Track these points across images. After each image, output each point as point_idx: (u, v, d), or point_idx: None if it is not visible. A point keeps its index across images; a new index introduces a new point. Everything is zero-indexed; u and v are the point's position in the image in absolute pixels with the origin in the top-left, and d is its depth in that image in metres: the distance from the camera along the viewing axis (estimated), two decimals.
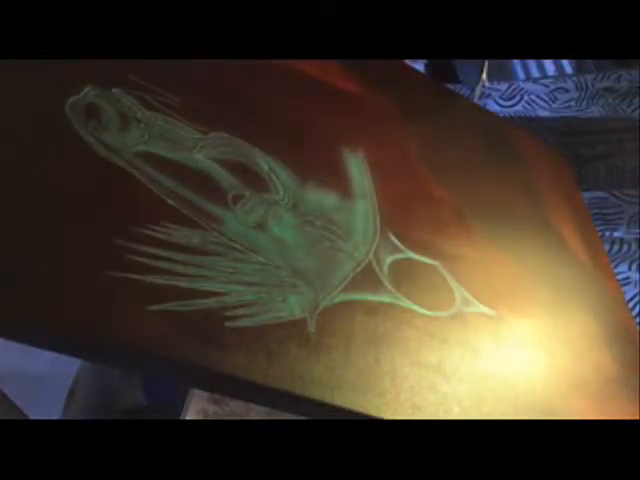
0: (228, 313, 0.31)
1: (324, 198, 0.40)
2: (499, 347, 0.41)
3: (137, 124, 0.36)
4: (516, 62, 0.94)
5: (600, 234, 0.71)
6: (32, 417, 0.52)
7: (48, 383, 0.62)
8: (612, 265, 0.61)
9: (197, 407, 0.39)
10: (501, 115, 0.85)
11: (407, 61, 0.61)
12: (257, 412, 0.40)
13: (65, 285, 0.28)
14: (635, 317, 0.65)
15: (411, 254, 0.42)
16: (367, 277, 0.38)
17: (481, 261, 0.46)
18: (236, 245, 0.34)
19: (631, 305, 0.66)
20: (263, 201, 0.37)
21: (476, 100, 0.83)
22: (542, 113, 0.86)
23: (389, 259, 0.40)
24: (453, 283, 0.42)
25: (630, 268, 0.69)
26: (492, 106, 0.87)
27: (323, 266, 0.37)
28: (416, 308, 0.39)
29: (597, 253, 0.58)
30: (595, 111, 0.84)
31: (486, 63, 0.81)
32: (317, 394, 0.31)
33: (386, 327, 0.37)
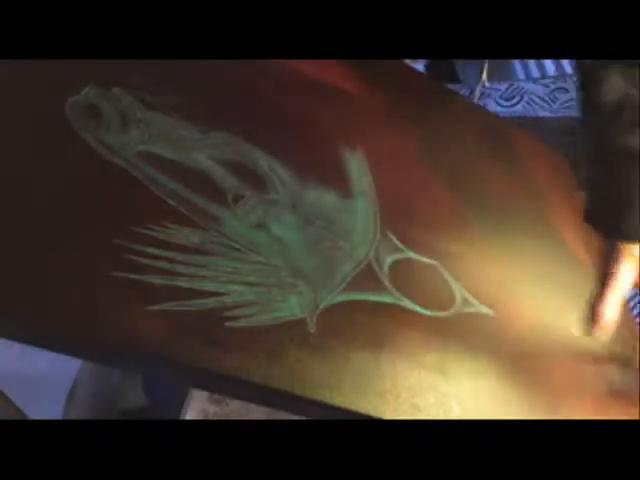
0: (228, 313, 0.31)
1: (324, 198, 0.40)
2: (499, 347, 0.41)
3: (137, 124, 0.36)
4: (516, 62, 0.94)
5: None
6: (32, 417, 0.52)
7: (48, 383, 0.62)
8: None
9: (197, 407, 0.39)
10: (501, 115, 0.85)
11: (407, 61, 0.61)
12: (257, 412, 0.40)
13: (65, 285, 0.28)
14: (635, 317, 0.65)
15: (411, 254, 0.42)
16: (367, 277, 0.38)
17: (481, 261, 0.46)
18: (236, 245, 0.34)
19: (631, 305, 0.66)
20: (263, 201, 0.37)
21: (476, 100, 0.82)
22: (542, 113, 0.86)
23: (389, 259, 0.40)
24: (453, 283, 0.42)
25: None
26: (492, 106, 0.87)
27: (323, 266, 0.37)
28: (416, 308, 0.39)
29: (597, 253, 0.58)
30: None
31: (486, 63, 0.81)
32: (317, 394, 0.31)
33: (386, 327, 0.37)
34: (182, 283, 0.31)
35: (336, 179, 0.42)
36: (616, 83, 0.41)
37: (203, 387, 0.37)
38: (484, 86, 0.85)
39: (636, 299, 0.67)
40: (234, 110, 0.41)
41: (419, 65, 0.85)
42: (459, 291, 0.42)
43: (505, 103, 0.87)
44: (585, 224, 0.47)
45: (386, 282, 0.39)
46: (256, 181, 0.38)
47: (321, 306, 0.35)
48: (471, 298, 0.42)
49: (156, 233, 0.32)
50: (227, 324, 0.31)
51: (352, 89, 0.50)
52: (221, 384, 0.31)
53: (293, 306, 0.34)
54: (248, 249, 0.34)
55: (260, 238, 0.36)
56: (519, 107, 0.87)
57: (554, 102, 0.86)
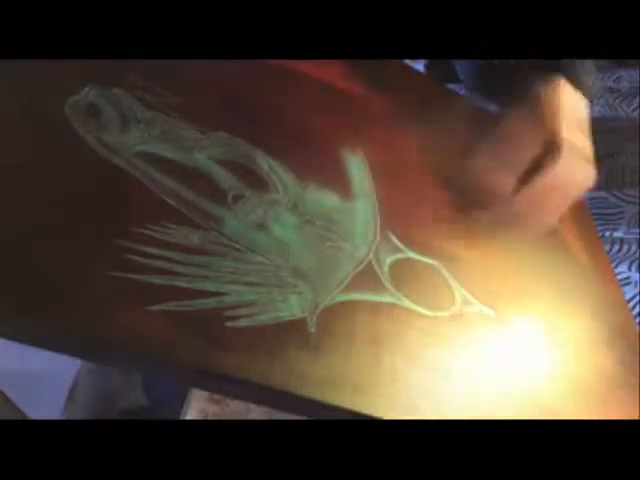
0: (228, 313, 0.31)
1: (324, 198, 0.40)
2: (499, 347, 0.41)
3: (137, 124, 0.36)
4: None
5: (600, 234, 0.70)
6: (32, 417, 0.52)
7: (48, 383, 0.62)
8: (612, 265, 0.61)
9: (197, 407, 0.39)
10: None
11: (407, 61, 0.61)
12: (257, 412, 0.40)
13: (65, 285, 0.28)
14: (635, 317, 0.65)
15: (411, 254, 0.42)
16: (367, 277, 0.38)
17: (481, 261, 0.46)
18: (236, 245, 0.34)
19: (631, 305, 0.66)
20: (263, 201, 0.37)
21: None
22: None
23: (389, 259, 0.40)
24: (453, 283, 0.42)
25: (630, 268, 0.69)
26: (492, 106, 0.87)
27: (323, 266, 0.37)
28: (416, 308, 0.39)
29: (597, 253, 0.58)
30: (595, 111, 0.83)
31: None
32: (317, 394, 0.31)
33: (386, 327, 0.37)
34: (182, 283, 0.31)
35: (336, 179, 0.42)
36: None
37: (203, 387, 0.37)
38: None
39: (636, 299, 0.67)
40: (234, 110, 0.41)
41: (419, 65, 0.85)
42: (459, 291, 0.42)
43: None
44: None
45: (386, 282, 0.39)
46: (256, 181, 0.38)
47: (321, 306, 0.35)
48: (471, 298, 0.42)
49: (156, 233, 0.32)
50: (227, 324, 0.31)
51: (352, 89, 0.50)
52: (221, 384, 0.31)
53: (293, 306, 0.34)
54: (248, 249, 0.34)
55: (260, 238, 0.36)
56: None
57: None
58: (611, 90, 0.84)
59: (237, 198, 0.36)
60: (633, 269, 0.69)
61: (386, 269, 0.39)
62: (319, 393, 0.31)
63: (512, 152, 0.45)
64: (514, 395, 0.39)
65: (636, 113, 0.82)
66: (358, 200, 0.42)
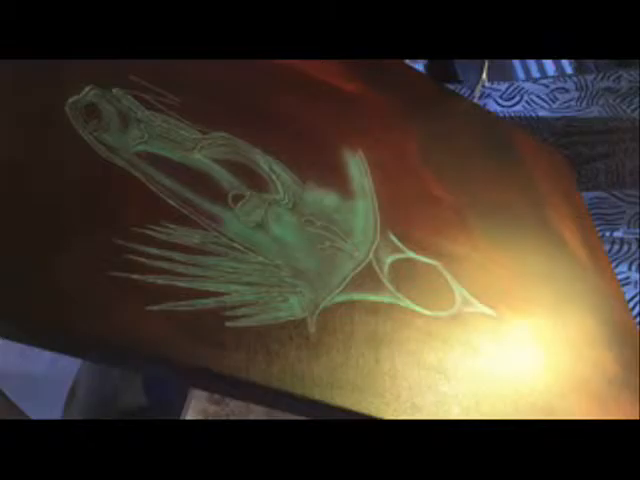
0: (228, 313, 0.31)
1: (324, 198, 0.40)
2: (499, 347, 0.41)
3: (137, 124, 0.36)
4: (516, 62, 0.94)
5: (600, 234, 0.70)
6: (32, 417, 0.52)
7: (48, 383, 0.62)
8: (612, 265, 0.61)
9: (197, 407, 0.39)
10: (501, 115, 0.85)
11: (407, 61, 0.61)
12: (257, 412, 0.40)
13: (65, 285, 0.28)
14: (635, 317, 0.65)
15: (411, 254, 0.42)
16: (367, 277, 0.38)
17: (481, 261, 0.46)
18: (236, 245, 0.34)
19: (631, 305, 0.66)
20: (263, 201, 0.37)
21: (476, 100, 0.82)
22: (542, 113, 0.86)
23: (389, 259, 0.40)
24: (453, 283, 0.42)
25: (630, 268, 0.69)
26: (492, 106, 0.87)
27: (323, 266, 0.37)
28: (416, 308, 0.39)
29: (597, 253, 0.58)
30: (595, 111, 0.84)
31: (486, 63, 0.81)
32: (317, 394, 0.31)
33: (386, 327, 0.37)
34: (182, 283, 0.31)
35: (336, 179, 0.42)
36: None
37: (203, 387, 0.37)
38: (484, 86, 0.85)
39: (636, 299, 0.67)
40: (234, 110, 0.41)
41: (419, 65, 0.85)
42: (459, 291, 0.42)
43: (505, 103, 0.87)
44: None
45: (386, 282, 0.39)
46: (256, 181, 0.38)
47: (321, 306, 0.35)
48: (471, 298, 0.42)
49: (156, 233, 0.32)
50: (227, 324, 0.31)
51: (352, 89, 0.50)
52: (221, 384, 0.31)
53: (293, 306, 0.34)
54: (248, 249, 0.34)
55: (260, 238, 0.36)
56: (519, 107, 0.87)
57: (554, 102, 0.86)
58: (611, 90, 0.84)
59: (237, 198, 0.36)
60: (633, 269, 0.69)
61: (386, 269, 0.39)
62: (319, 393, 0.31)
63: None
64: (514, 395, 0.39)
65: (636, 113, 0.82)
66: (358, 200, 0.42)
